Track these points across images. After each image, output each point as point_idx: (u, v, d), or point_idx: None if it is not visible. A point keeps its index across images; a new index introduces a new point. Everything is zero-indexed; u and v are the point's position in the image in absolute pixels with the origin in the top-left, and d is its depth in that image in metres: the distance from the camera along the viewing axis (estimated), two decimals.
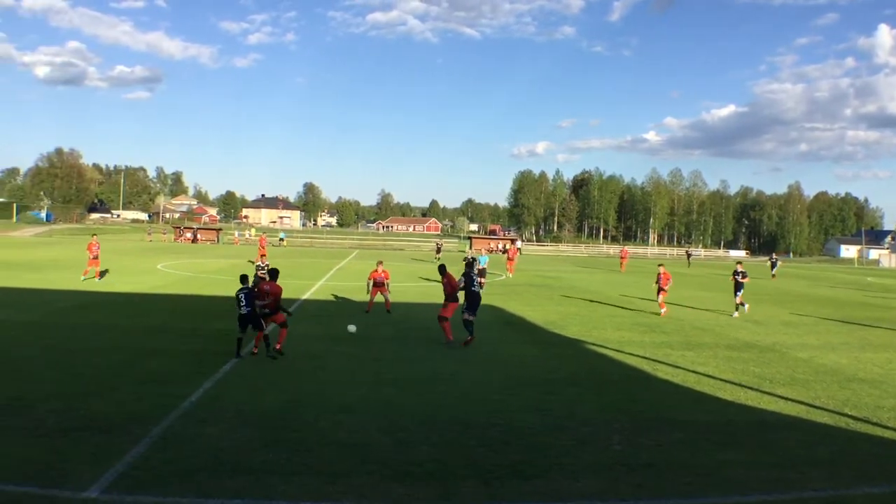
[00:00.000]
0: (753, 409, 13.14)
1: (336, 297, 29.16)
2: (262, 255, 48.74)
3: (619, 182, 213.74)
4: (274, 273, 17.33)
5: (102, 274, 33.76)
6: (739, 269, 28.71)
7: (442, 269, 19.52)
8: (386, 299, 24.77)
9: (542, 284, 40.37)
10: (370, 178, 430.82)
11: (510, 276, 44.25)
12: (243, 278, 16.62)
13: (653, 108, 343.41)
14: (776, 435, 11.39)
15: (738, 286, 28.26)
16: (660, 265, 28.28)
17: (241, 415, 11.22)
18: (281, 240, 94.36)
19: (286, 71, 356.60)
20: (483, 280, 31.39)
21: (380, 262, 25.92)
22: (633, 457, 9.92)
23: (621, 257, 66.28)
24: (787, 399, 13.84)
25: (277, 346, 16.14)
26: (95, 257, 32.85)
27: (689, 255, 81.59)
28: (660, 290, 27.12)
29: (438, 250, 68.33)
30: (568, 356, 17.81)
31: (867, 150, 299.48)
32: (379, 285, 24.66)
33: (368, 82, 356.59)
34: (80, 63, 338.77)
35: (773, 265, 61.48)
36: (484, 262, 36.85)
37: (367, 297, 25.02)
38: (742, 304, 28.25)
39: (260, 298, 16.10)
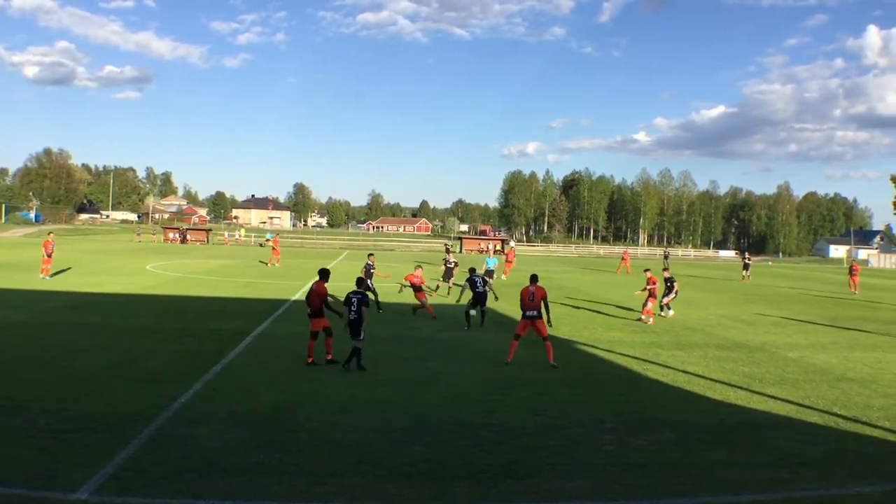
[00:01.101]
0: (744, 408, 13.19)
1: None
2: (276, 256, 49.59)
3: (608, 182, 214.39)
4: (322, 273, 16.20)
5: (54, 274, 33.75)
6: (667, 275, 27.21)
7: (534, 277, 17.79)
8: (423, 303, 24.48)
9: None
10: (360, 179, 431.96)
11: (504, 277, 43.75)
12: (359, 281, 16.18)
13: (643, 109, 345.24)
14: (767, 434, 11.43)
15: (668, 289, 26.72)
16: (646, 270, 26.97)
17: (232, 415, 11.19)
18: (267, 240, 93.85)
19: (276, 71, 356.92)
20: (491, 281, 33.95)
21: (418, 266, 25.93)
22: (625, 457, 9.94)
23: (622, 258, 64.28)
24: (777, 399, 13.89)
25: (328, 357, 15.48)
26: (49, 255, 32.95)
27: (665, 257, 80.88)
28: (651, 295, 25.31)
29: (448, 252, 67.50)
30: (559, 356, 17.79)
31: (856, 150, 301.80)
32: (418, 289, 24.67)
33: (359, 83, 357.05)
34: (70, 63, 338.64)
35: (746, 266, 56.71)
36: (492, 264, 36.91)
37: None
38: (667, 307, 26.77)
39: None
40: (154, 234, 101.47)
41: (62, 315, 21.27)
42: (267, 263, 49.67)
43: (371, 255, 29.47)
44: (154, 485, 8.17)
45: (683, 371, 16.37)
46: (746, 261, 58.24)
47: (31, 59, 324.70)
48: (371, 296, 23.77)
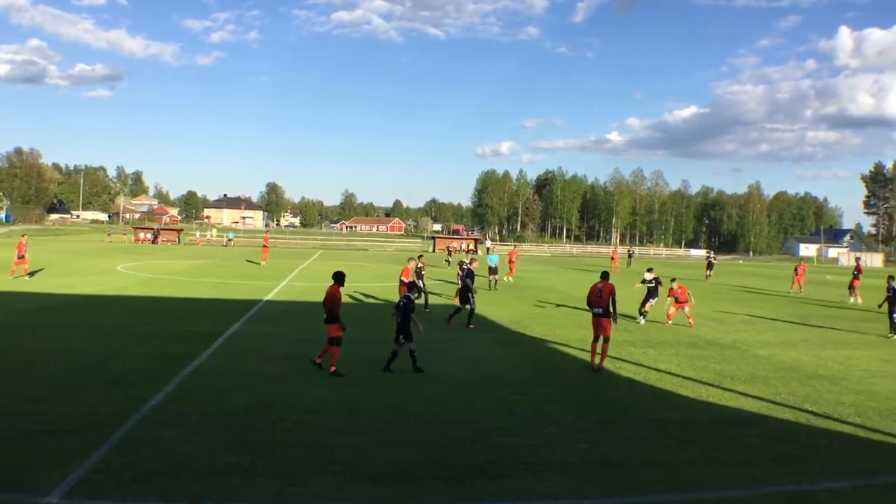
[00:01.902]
0: (715, 405, 13.27)
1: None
2: (266, 253, 51.60)
3: (581, 182, 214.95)
4: (336, 276, 15.29)
5: (32, 273, 33.69)
6: (649, 276, 25.91)
7: (605, 274, 17.21)
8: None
9: (507, 284, 40.38)
10: (334, 178, 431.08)
11: (509, 279, 42.36)
12: (410, 286, 15.90)
13: (616, 109, 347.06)
14: (738, 431, 11.52)
15: (650, 293, 25.36)
16: (673, 279, 25.80)
17: (203, 417, 11.09)
18: (230, 240, 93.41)
19: (249, 70, 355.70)
20: (496, 277, 36.43)
21: (411, 259, 26.15)
22: (599, 455, 9.97)
23: (612, 258, 63.04)
24: (748, 396, 14.00)
25: (332, 369, 14.67)
26: (21, 257, 32.79)
27: (630, 255, 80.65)
28: (677, 301, 24.36)
29: (450, 253, 66.24)
30: (533, 355, 17.87)
31: (827, 150, 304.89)
32: (403, 283, 24.47)
33: (332, 81, 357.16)
34: (41, 61, 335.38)
35: (710, 265, 54.76)
36: (494, 261, 37.00)
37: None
38: (644, 315, 25.18)
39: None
40: (125, 235, 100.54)
41: (33, 317, 21.02)
42: (259, 262, 50.63)
43: (420, 256, 29.13)
44: (125, 487, 8.08)
45: (655, 369, 16.45)
46: (711, 259, 57.11)
47: (3, 56, 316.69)
48: (420, 297, 24.56)
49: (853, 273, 38.80)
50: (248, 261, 53.35)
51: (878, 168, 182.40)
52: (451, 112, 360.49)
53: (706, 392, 14.27)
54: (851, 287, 37.43)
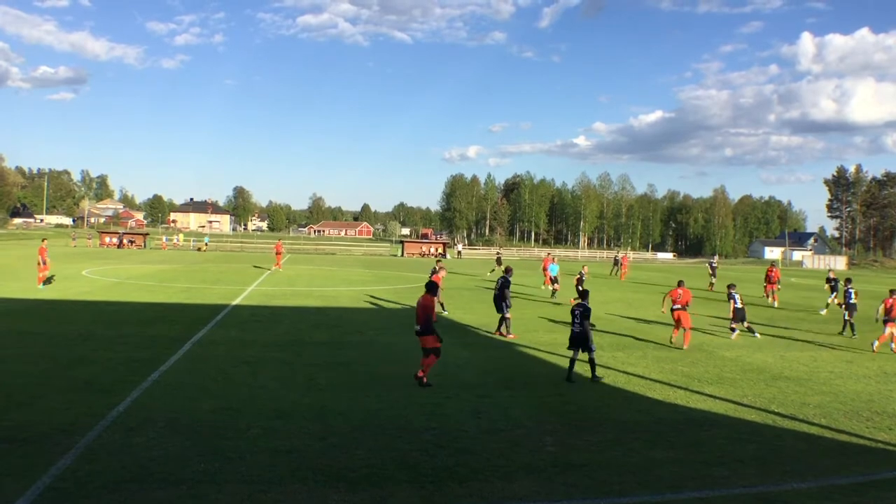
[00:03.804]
0: (683, 407, 13.39)
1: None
2: (279, 259, 51.28)
3: (549, 186, 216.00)
4: (429, 286, 14.96)
5: (48, 280, 33.24)
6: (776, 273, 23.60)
7: (680, 282, 21.49)
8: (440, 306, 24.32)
9: (476, 287, 40.45)
10: (301, 182, 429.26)
11: (547, 286, 38.49)
12: (583, 294, 15.72)
13: (582, 113, 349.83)
14: (705, 433, 11.62)
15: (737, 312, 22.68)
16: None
17: (171, 423, 10.99)
18: (206, 244, 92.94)
19: (214, 73, 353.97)
20: (557, 287, 36.25)
21: (442, 268, 26.37)
22: (566, 457, 10.02)
23: (622, 266, 58.23)
24: (715, 398, 14.14)
25: (420, 375, 14.36)
26: (45, 263, 32.11)
27: (713, 270, 77.27)
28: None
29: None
30: (501, 359, 17.89)
31: (790, 154, 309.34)
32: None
33: (299, 85, 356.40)
34: (2, 63, 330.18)
35: (714, 270, 51.25)
36: (556, 270, 36.96)
37: None
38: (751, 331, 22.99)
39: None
40: (90, 239, 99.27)
41: None
42: (271, 268, 50.18)
43: (439, 261, 29.16)
44: (92, 496, 8.00)
45: (623, 372, 16.55)
46: (713, 264, 53.28)
47: None
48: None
49: (768, 279, 39.26)
50: (255, 266, 53.06)
51: (841, 172, 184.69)
52: (419, 116, 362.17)
53: (674, 394, 14.39)
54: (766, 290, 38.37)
